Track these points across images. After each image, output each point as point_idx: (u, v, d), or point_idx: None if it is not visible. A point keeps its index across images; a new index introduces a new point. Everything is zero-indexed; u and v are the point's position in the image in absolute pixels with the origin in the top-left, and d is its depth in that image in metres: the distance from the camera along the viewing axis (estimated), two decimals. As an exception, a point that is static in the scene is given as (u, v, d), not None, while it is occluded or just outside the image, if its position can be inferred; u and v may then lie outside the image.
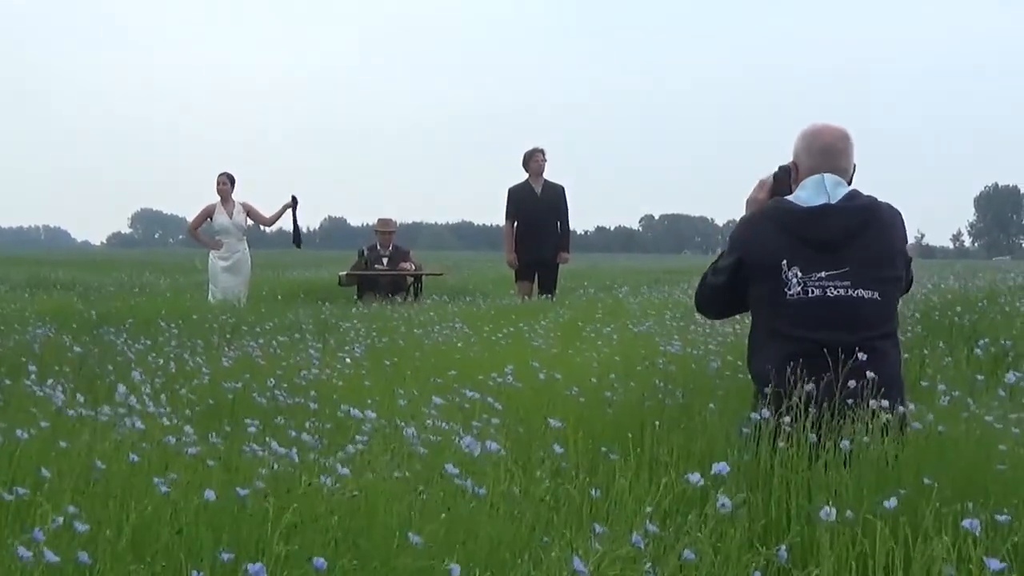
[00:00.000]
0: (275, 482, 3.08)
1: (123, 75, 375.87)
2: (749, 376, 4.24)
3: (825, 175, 4.13)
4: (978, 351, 5.75)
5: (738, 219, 4.40)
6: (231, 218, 13.54)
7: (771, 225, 4.14)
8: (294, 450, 3.39)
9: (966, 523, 2.65)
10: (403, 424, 3.84)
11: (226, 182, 13.69)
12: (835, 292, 4.00)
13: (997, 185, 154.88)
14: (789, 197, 4.21)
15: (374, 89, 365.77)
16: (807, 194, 4.14)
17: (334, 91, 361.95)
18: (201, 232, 14.03)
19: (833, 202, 4.08)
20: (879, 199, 4.14)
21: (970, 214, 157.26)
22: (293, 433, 3.87)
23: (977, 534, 2.64)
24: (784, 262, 4.05)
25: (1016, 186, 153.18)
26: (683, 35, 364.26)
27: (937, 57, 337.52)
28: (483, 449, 3.34)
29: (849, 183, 4.20)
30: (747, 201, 4.42)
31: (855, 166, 4.27)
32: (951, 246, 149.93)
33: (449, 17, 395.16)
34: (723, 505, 2.78)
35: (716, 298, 4.37)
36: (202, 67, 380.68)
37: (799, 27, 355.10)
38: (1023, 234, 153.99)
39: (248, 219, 13.78)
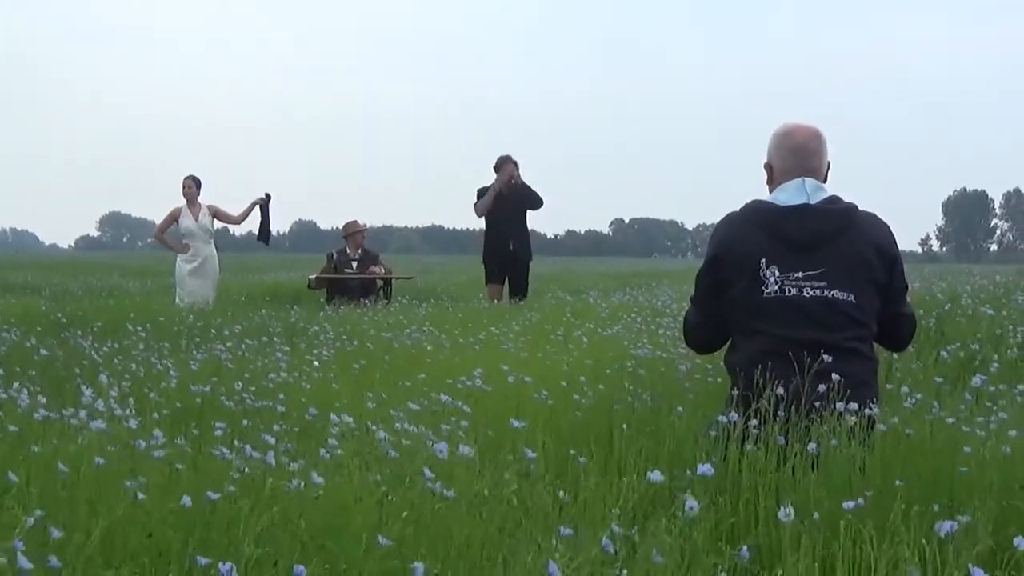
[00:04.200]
0: (243, 485, 3.07)
1: (92, 78, 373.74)
2: (719, 379, 4.26)
3: (806, 179, 4.14)
4: (944, 354, 5.79)
5: (702, 223, 4.40)
6: (196, 221, 13.53)
7: (749, 224, 4.15)
8: (271, 454, 3.36)
9: (944, 527, 2.67)
10: (374, 427, 3.83)
11: (191, 185, 13.66)
12: (811, 292, 4.01)
13: (965, 190, 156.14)
14: (767, 198, 4.23)
15: (344, 93, 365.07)
16: (786, 195, 4.14)
17: (303, 95, 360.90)
18: (168, 236, 14.00)
19: (812, 203, 4.10)
20: (859, 207, 4.17)
21: (938, 218, 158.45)
22: (265, 437, 3.85)
23: (948, 532, 2.66)
24: (762, 261, 4.06)
25: (984, 191, 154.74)
26: (653, 40, 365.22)
27: (905, 62, 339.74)
28: (455, 453, 3.33)
29: (824, 180, 4.22)
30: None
31: (829, 164, 4.29)
32: (920, 250, 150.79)
33: (419, 21, 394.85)
34: (691, 508, 2.79)
35: (702, 316, 4.38)
36: (171, 71, 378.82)
37: (769, 31, 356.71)
38: (991, 239, 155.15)
39: (215, 221, 13.76)
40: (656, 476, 2.92)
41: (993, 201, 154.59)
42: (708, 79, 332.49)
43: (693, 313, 4.45)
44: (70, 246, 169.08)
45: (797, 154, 4.21)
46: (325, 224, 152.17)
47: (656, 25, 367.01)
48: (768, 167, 4.31)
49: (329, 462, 3.40)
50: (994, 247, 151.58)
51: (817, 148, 4.25)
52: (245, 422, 4.34)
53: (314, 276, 14.93)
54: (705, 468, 3.00)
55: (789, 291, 4.02)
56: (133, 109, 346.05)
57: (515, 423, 3.79)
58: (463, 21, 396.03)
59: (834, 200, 4.14)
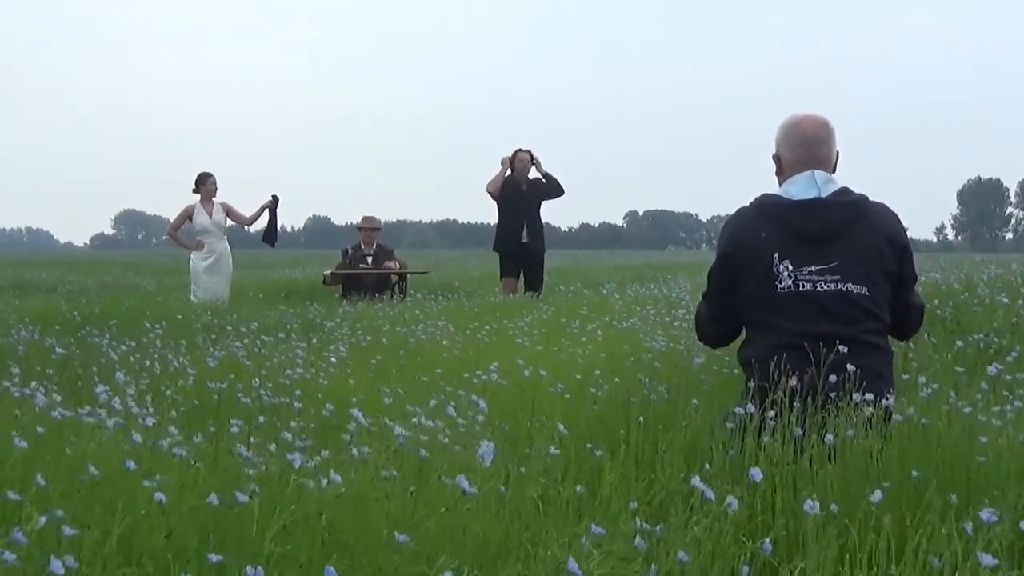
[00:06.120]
0: (262, 483, 3.08)
1: (104, 75, 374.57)
2: (734, 370, 4.24)
3: (816, 172, 4.12)
4: (960, 344, 5.76)
5: (716, 215, 4.40)
6: (211, 218, 13.54)
7: (760, 219, 4.13)
8: (294, 453, 3.36)
9: (983, 515, 2.68)
10: (391, 423, 3.83)
11: (215, 182, 13.71)
12: (825, 286, 3.99)
13: (980, 178, 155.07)
14: (777, 191, 4.21)
15: (357, 88, 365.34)
16: (797, 189, 4.12)
17: (317, 90, 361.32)
18: (181, 233, 14.02)
19: (823, 196, 4.08)
20: (870, 198, 4.14)
21: (953, 207, 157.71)
22: (285, 435, 3.86)
23: (990, 520, 2.67)
24: (775, 255, 4.04)
25: (999, 179, 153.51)
26: (665, 32, 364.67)
27: (920, 51, 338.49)
28: (480, 453, 3.30)
29: (833, 170, 4.20)
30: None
31: (838, 153, 4.26)
32: (934, 239, 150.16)
33: (430, 15, 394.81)
34: (730, 506, 2.80)
35: (714, 312, 4.37)
36: (184, 66, 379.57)
37: (783, 22, 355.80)
38: (1006, 227, 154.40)
39: (228, 219, 13.79)
40: (696, 481, 2.94)
41: (1008, 190, 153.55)
42: (722, 72, 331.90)
43: (705, 308, 4.43)
44: (85, 244, 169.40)
45: (806, 145, 4.18)
46: (339, 220, 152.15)
47: (670, 19, 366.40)
48: (776, 158, 4.29)
49: (347, 460, 3.40)
50: (1010, 236, 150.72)
51: (826, 138, 4.22)
52: (261, 419, 4.35)
53: (329, 272, 14.92)
54: (754, 473, 3.03)
55: (803, 286, 4.00)
56: (147, 107, 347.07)
57: (561, 428, 3.80)
58: (476, 17, 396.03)
59: (845, 192, 4.12)
